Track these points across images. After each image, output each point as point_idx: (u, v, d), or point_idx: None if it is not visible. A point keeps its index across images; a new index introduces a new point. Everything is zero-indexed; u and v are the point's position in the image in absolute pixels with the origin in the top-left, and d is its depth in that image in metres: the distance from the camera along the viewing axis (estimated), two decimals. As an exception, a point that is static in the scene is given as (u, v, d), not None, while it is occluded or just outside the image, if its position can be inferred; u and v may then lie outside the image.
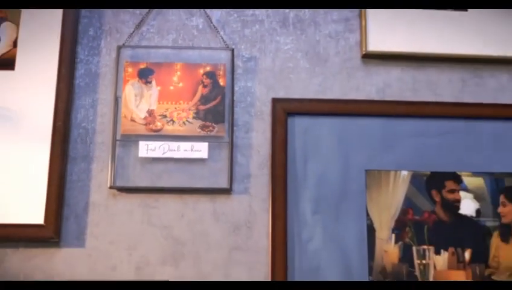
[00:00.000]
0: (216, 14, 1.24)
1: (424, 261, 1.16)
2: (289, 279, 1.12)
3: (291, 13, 1.26)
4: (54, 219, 1.11)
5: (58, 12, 1.21)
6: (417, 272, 1.15)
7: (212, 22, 1.24)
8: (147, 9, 1.24)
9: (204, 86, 1.19)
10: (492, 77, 1.26)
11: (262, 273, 1.13)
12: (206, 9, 1.23)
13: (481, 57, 1.25)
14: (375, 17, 1.25)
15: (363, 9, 1.25)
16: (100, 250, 1.13)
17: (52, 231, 1.10)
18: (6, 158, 1.13)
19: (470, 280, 1.15)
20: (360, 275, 1.13)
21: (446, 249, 1.16)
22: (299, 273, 1.13)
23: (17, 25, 1.20)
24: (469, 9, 1.26)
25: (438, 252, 1.16)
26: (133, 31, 1.23)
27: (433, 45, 1.25)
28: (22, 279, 1.09)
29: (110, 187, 1.14)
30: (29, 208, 1.11)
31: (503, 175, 1.21)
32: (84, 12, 1.24)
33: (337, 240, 1.15)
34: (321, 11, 1.26)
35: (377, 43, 1.24)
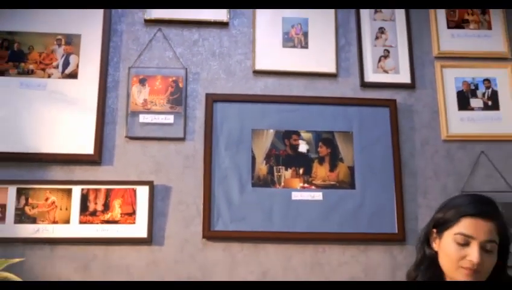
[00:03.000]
0: (178, 50, 2.43)
1: (279, 174, 2.34)
2: (212, 182, 2.30)
3: (217, 50, 2.44)
4: (98, 151, 2.29)
5: (98, 49, 2.39)
6: (275, 179, 2.33)
7: (176, 54, 2.42)
8: (144, 47, 2.42)
9: (172, 87, 2.38)
10: (320, 82, 2.44)
11: (199, 178, 2.30)
12: (174, 48, 2.42)
13: (315, 72, 2.44)
14: (261, 51, 2.43)
15: (254, 48, 2.43)
16: (120, 167, 2.31)
17: (97, 157, 2.29)
18: (75, 123, 2.31)
19: (301, 183, 2.33)
20: (247, 180, 2.31)
21: (291, 168, 2.35)
22: (217, 179, 2.30)
23: (78, 56, 2.39)
24: (309, 47, 2.45)
25: (286, 170, 2.34)
26: (136, 59, 2.41)
27: (291, 65, 2.43)
28: (80, 179, 2.27)
29: (125, 137, 2.33)
30: (85, 146, 2.28)
31: (321, 132, 2.39)
32: (111, 50, 2.42)
33: (237, 163, 2.33)
34: (232, 49, 2.44)
35: (261, 65, 2.43)
